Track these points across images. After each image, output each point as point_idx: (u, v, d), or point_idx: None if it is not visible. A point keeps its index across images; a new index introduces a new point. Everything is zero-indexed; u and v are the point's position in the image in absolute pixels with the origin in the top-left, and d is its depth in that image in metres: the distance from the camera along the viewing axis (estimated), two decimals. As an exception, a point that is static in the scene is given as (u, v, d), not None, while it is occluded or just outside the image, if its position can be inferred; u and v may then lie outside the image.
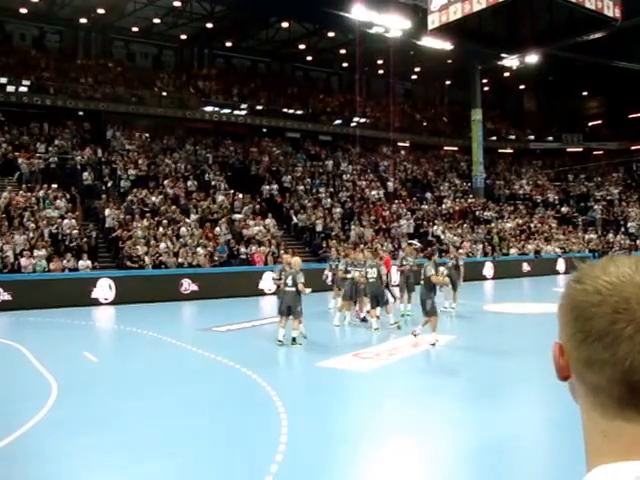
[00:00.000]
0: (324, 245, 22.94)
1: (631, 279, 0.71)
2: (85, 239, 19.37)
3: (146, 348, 11.19)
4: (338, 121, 34.59)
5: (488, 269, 26.13)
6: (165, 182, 24.13)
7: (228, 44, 33.46)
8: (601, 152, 42.13)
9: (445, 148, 39.30)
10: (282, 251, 19.90)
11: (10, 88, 25.45)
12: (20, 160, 22.69)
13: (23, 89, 25.72)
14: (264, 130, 32.82)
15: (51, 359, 9.55)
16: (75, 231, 19.25)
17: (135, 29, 30.50)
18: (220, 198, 24.38)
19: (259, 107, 32.24)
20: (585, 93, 44.21)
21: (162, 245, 19.54)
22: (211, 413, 6.84)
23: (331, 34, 32.08)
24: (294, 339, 10.56)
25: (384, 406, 7.19)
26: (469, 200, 32.75)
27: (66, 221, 19.47)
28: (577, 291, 0.74)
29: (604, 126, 42.98)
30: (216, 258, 20.32)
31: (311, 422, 6.48)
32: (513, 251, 28.87)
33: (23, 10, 27.22)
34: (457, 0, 22.17)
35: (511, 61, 31.13)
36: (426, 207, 30.63)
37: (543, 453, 5.72)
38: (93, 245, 19.58)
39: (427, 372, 9.45)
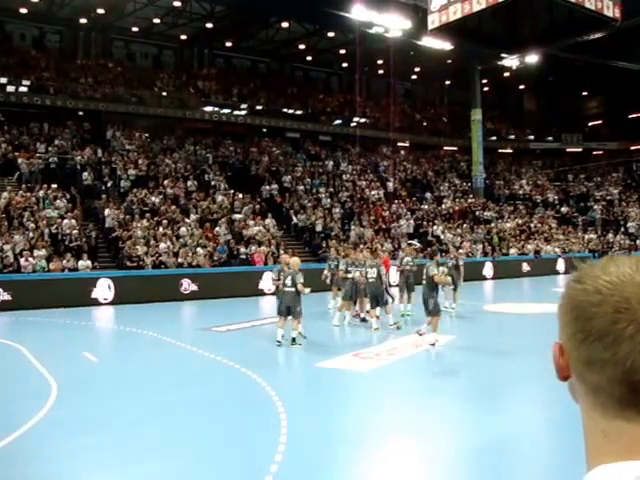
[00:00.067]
0: (324, 245, 22.93)
1: (632, 279, 0.71)
2: (85, 239, 19.37)
3: (146, 348, 11.19)
4: (338, 121, 34.60)
5: (488, 269, 26.14)
6: (165, 182, 24.13)
7: (228, 44, 33.46)
8: (601, 152, 42.15)
9: (445, 148, 39.31)
10: (282, 251, 19.89)
11: (10, 88, 25.45)
12: (20, 160, 22.69)
13: (23, 89, 25.73)
14: (264, 130, 32.83)
15: (51, 359, 9.55)
16: (75, 231, 19.24)
17: (135, 29, 30.51)
18: (220, 198, 24.38)
19: (259, 107, 32.24)
20: (585, 93, 44.22)
21: (162, 245, 19.54)
22: (211, 413, 6.84)
23: (331, 34, 32.10)
24: (294, 339, 10.55)
25: (384, 406, 7.19)
26: (469, 200, 32.76)
27: (66, 221, 19.47)
28: (577, 291, 0.74)
29: (604, 126, 42.99)
30: (216, 258, 20.33)
31: (311, 422, 6.48)
32: (513, 251, 28.88)
33: (23, 10, 27.23)
34: (457, 0, 22.17)
35: (511, 61, 31.15)
36: (426, 207, 30.64)
37: (543, 453, 5.71)
38: (93, 245, 19.58)
39: (427, 372, 9.45)
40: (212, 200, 24.14)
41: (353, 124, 34.51)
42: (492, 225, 30.73)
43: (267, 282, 18.69)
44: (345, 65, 36.21)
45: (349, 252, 15.23)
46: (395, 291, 15.62)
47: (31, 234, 18.26)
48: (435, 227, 28.28)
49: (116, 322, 15.17)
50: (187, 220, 21.70)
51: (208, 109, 30.40)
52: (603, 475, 0.69)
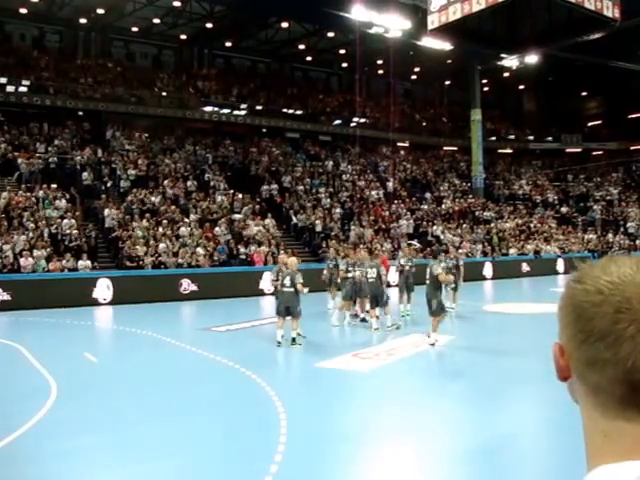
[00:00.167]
0: (324, 245, 22.93)
1: (632, 279, 0.71)
2: (85, 239, 19.38)
3: (146, 348, 11.18)
4: (338, 121, 34.60)
5: (488, 269, 26.13)
6: (165, 182, 24.13)
7: (228, 44, 33.47)
8: (600, 152, 42.16)
9: (445, 148, 39.32)
10: (282, 251, 19.89)
11: (10, 88, 25.45)
12: (20, 160, 22.69)
13: (23, 89, 25.72)
14: (264, 130, 32.82)
15: (51, 359, 9.55)
16: (75, 231, 19.25)
17: (135, 29, 30.51)
18: (220, 198, 24.39)
19: (259, 107, 32.24)
20: (584, 93, 44.22)
21: (162, 245, 19.54)
22: (210, 413, 6.84)
23: (331, 34, 32.10)
24: (294, 339, 10.55)
25: (383, 406, 7.19)
26: (469, 200, 32.76)
27: (66, 221, 19.47)
28: (578, 291, 0.74)
29: (603, 126, 42.99)
30: (216, 258, 20.32)
31: (310, 422, 6.48)
32: (512, 251, 28.88)
33: (23, 10, 27.23)
34: (457, 0, 22.18)
35: (511, 61, 31.15)
36: (426, 207, 30.64)
37: (543, 453, 5.72)
38: (93, 245, 19.59)
39: (427, 372, 9.45)
40: (212, 200, 24.14)
41: (353, 124, 34.50)
42: (492, 225, 30.74)
43: (267, 282, 18.67)
44: (345, 65, 36.21)
45: (349, 252, 15.25)
46: (395, 291, 15.61)
47: (31, 234, 18.26)
48: (435, 227, 28.28)
49: (116, 322, 15.17)
50: (187, 220, 21.70)
51: (208, 109, 30.40)
52: (604, 475, 0.69)
